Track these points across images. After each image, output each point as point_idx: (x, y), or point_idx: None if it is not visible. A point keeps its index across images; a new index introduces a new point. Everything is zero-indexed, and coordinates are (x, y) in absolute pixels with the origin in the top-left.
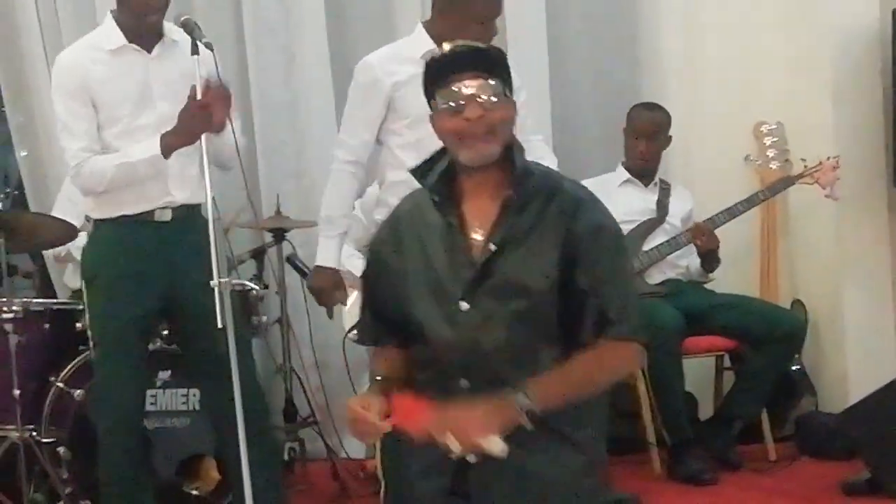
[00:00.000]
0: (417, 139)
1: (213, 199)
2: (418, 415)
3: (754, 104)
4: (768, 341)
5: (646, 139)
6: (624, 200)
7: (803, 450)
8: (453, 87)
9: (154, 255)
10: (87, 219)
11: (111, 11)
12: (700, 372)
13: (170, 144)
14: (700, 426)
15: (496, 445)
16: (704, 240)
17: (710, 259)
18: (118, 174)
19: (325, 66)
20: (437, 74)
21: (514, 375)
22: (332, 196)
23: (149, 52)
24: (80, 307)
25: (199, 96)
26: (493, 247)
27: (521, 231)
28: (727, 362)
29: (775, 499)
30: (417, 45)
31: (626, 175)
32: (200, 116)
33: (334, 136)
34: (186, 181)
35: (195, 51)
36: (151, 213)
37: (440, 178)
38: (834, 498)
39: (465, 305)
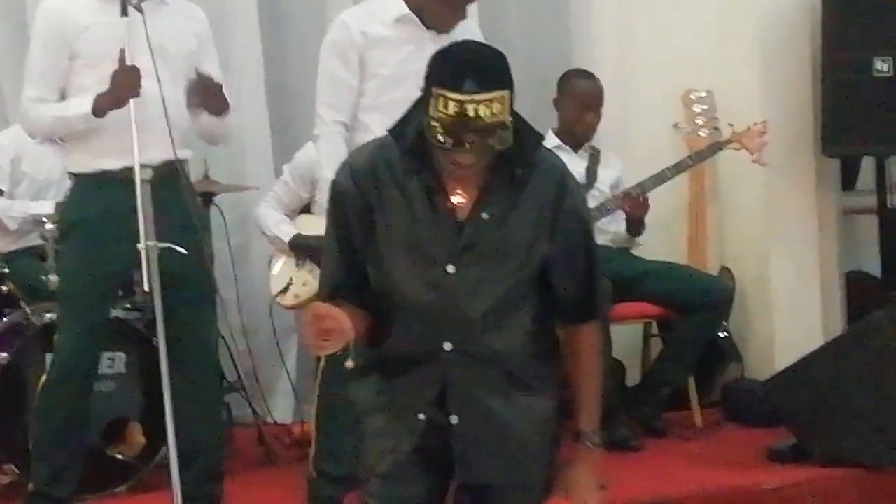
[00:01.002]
0: (385, 101)
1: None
2: None
3: (684, 71)
4: (695, 308)
5: (593, 110)
6: None
7: (729, 416)
8: (458, 120)
9: (131, 216)
10: (70, 175)
11: None
12: (627, 339)
13: (101, 105)
14: (627, 393)
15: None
16: (633, 206)
17: (635, 225)
18: (55, 126)
19: (254, 29)
20: (448, 85)
21: (497, 339)
22: (332, 158)
23: (138, 9)
24: (6, 270)
25: (128, 60)
26: (485, 215)
27: (510, 198)
28: (655, 329)
29: (701, 465)
30: (392, 7)
31: (557, 141)
32: (129, 80)
33: (262, 99)
34: (167, 138)
35: (124, 13)
36: (132, 170)
37: (416, 140)
38: (759, 464)
39: (451, 269)
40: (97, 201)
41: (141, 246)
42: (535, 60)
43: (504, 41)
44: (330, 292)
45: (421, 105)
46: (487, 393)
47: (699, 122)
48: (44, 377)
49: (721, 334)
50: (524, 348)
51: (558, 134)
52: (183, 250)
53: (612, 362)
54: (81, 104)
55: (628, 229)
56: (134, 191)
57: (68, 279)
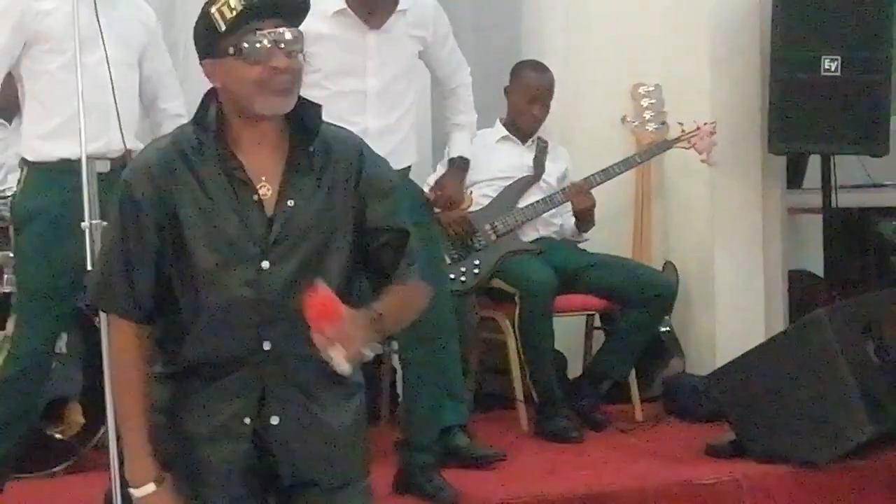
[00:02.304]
0: (327, 95)
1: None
2: (333, 314)
3: (633, 65)
4: (639, 302)
5: (540, 103)
6: (501, 157)
7: (670, 411)
8: (258, 33)
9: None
10: (22, 163)
11: None
12: (570, 331)
13: None
14: (568, 384)
15: (372, 351)
16: (580, 199)
17: (585, 219)
18: None
19: None
20: (234, 18)
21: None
22: None
23: None
24: None
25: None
26: (291, 202)
27: (311, 181)
28: (598, 322)
29: (640, 458)
30: (330, 2)
31: (504, 132)
32: None
33: None
34: (127, 123)
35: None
36: (90, 161)
37: (218, 127)
38: (698, 458)
39: (266, 265)
40: (55, 190)
41: (85, 224)
42: (485, 50)
43: (454, 31)
44: (122, 310)
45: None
46: (307, 391)
47: (647, 115)
48: None
49: (663, 328)
50: None
51: (506, 124)
52: None
53: (554, 354)
54: None
55: (577, 224)
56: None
57: (28, 272)
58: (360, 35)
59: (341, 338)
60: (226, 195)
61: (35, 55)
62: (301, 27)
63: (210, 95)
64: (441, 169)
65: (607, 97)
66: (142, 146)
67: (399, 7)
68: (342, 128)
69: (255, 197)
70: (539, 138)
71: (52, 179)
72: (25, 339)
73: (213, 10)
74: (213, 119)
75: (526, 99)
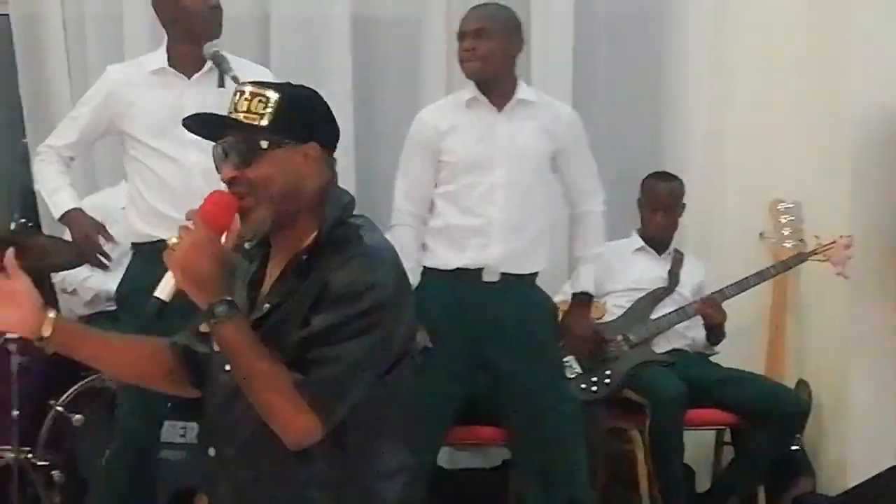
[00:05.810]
0: (457, 188)
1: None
2: (226, 217)
3: (773, 181)
4: (770, 420)
5: (664, 211)
6: (637, 268)
7: None
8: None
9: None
10: (131, 246)
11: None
12: (700, 445)
13: (66, 222)
14: (696, 499)
15: (164, 290)
16: (711, 312)
17: (715, 332)
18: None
19: (349, 112)
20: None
21: (260, 454)
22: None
23: (188, 77)
24: None
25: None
26: (267, 306)
27: (290, 288)
28: (727, 437)
29: None
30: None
31: (641, 242)
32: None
33: (352, 181)
34: None
35: (221, 83)
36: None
37: None
38: None
39: (228, 366)
40: (153, 272)
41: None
42: (625, 162)
43: (592, 143)
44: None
45: None
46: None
47: (785, 232)
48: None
49: (794, 447)
50: (294, 465)
51: (642, 236)
52: None
53: (683, 468)
54: (59, 203)
55: (707, 337)
56: None
57: None
58: (489, 123)
59: (193, 245)
60: (243, 288)
61: (127, 141)
62: (436, 126)
63: None
64: (563, 297)
65: (745, 212)
66: None
67: (527, 97)
68: (380, 237)
69: (253, 295)
70: (675, 250)
71: (149, 261)
72: (128, 415)
73: None
74: None
75: (649, 208)
